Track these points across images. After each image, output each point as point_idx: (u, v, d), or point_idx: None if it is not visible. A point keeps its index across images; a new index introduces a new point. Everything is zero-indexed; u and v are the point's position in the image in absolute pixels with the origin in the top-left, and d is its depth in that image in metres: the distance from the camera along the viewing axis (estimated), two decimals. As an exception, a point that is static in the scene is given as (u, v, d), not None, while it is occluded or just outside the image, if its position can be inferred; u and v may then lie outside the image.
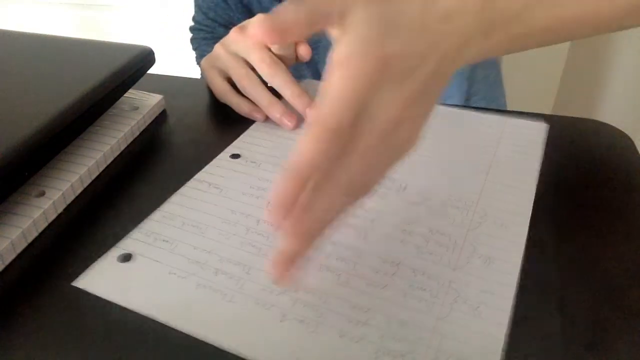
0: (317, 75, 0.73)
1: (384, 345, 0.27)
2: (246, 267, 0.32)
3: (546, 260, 0.33)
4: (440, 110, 0.48)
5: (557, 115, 0.47)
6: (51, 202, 0.36)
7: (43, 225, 0.35)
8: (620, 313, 0.29)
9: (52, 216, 0.36)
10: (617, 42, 1.15)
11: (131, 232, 0.35)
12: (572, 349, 0.27)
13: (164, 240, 0.34)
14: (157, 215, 0.36)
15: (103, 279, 0.31)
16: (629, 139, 0.45)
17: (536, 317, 0.29)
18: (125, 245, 0.34)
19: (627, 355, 0.27)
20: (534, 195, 0.38)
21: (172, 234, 0.35)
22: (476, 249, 0.33)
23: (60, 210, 0.37)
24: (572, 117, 0.47)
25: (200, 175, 0.40)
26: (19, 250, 0.34)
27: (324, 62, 0.79)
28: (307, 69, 0.72)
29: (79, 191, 0.39)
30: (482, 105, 0.72)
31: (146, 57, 0.47)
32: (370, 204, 0.37)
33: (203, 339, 0.28)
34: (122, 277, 0.32)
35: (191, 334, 0.28)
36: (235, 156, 0.42)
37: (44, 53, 0.47)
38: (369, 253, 0.33)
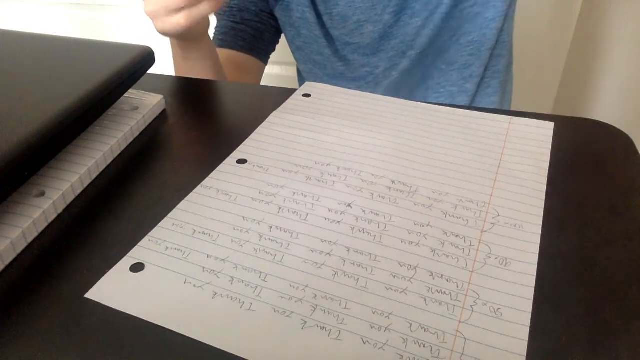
0: (331, 41, 0.72)
1: (408, 350, 0.27)
2: (262, 275, 0.32)
3: (545, 260, 0.33)
4: (444, 112, 0.48)
5: (557, 115, 0.47)
6: (51, 202, 0.36)
7: (43, 225, 0.35)
8: (620, 313, 0.29)
9: (52, 216, 0.36)
10: (617, 42, 1.15)
11: (141, 241, 0.34)
12: (572, 349, 0.27)
13: (175, 249, 0.33)
14: (166, 223, 0.35)
15: (115, 290, 0.31)
16: (629, 139, 0.45)
17: (535, 316, 0.29)
18: (135, 253, 0.33)
19: (627, 355, 0.27)
20: (544, 194, 0.38)
21: (183, 242, 0.34)
22: (492, 250, 0.33)
23: (60, 210, 0.37)
24: (572, 117, 0.47)
25: (207, 181, 0.39)
26: (19, 250, 0.34)
27: (337, 29, 0.80)
28: (323, 37, 0.71)
29: (79, 191, 0.39)
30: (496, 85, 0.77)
31: (146, 57, 0.47)
32: (382, 208, 0.37)
33: (224, 349, 0.27)
34: (135, 288, 0.31)
35: (212, 345, 0.27)
36: (241, 161, 0.42)
37: (44, 53, 0.47)
38: (384, 257, 0.33)
